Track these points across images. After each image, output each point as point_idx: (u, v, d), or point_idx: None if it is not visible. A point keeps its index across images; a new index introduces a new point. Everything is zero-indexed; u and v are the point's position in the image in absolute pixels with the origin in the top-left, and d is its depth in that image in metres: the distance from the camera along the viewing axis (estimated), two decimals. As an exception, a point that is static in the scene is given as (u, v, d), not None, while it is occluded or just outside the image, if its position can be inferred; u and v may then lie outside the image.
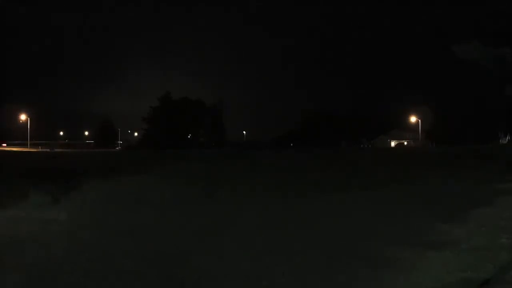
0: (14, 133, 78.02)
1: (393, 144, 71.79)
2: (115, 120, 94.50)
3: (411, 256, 5.62)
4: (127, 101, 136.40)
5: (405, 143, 71.57)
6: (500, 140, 46.80)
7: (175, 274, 5.19)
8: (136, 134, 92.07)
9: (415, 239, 6.52)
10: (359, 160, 22.62)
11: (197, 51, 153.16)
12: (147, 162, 21.31)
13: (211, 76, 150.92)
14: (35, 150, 51.28)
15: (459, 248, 5.93)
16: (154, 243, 6.72)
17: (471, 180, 13.10)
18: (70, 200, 10.23)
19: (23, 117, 72.97)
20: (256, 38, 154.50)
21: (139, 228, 7.76)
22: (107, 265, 5.53)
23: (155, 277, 5.11)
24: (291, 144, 74.05)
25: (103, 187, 11.96)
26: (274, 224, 7.96)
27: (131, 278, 5.07)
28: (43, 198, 10.13)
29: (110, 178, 13.18)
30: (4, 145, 68.78)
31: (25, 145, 66.61)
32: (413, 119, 68.95)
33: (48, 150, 54.34)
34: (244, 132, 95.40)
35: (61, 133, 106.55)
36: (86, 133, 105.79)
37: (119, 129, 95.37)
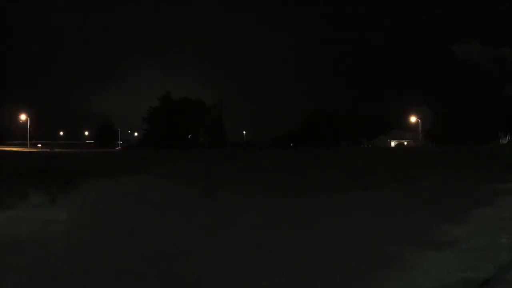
0: (14, 133, 78.04)
1: (393, 144, 71.75)
2: (115, 120, 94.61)
3: (411, 256, 5.63)
4: (127, 101, 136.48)
5: (405, 143, 71.54)
6: (500, 140, 46.76)
7: (175, 274, 5.19)
8: (136, 134, 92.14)
9: (415, 239, 6.52)
10: (359, 160, 22.62)
11: (197, 51, 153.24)
12: (147, 162, 21.31)
13: (211, 76, 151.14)
14: (35, 150, 51.29)
15: (459, 248, 5.93)
16: (154, 243, 6.72)
17: (471, 180, 13.10)
18: (70, 200, 10.23)
19: (23, 117, 72.98)
20: (256, 38, 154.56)
21: (139, 228, 7.76)
22: (107, 265, 5.53)
23: (155, 277, 5.11)
24: (291, 144, 74.00)
25: (103, 187, 11.96)
26: (274, 224, 7.96)
27: (131, 278, 5.07)
28: (43, 198, 10.13)
29: (110, 178, 13.18)
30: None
31: (25, 145, 66.62)
32: (413, 119, 68.95)
33: (48, 150, 54.34)
34: (244, 132, 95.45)
35: (61, 133, 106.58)
36: (86, 133, 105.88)
37: (119, 129, 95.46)
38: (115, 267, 5.45)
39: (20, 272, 5.32)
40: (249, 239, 6.81)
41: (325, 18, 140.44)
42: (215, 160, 22.77)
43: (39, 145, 68.32)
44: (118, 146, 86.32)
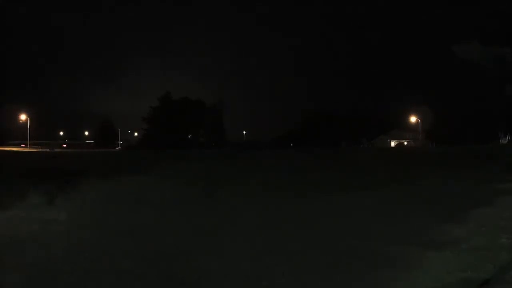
0: (14, 133, 78.05)
1: (393, 144, 71.76)
2: (115, 120, 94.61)
3: (411, 256, 5.63)
4: (127, 101, 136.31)
5: (405, 143, 71.54)
6: (500, 140, 46.77)
7: (175, 274, 5.19)
8: (136, 134, 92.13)
9: (415, 239, 6.52)
10: (359, 160, 22.61)
11: (197, 51, 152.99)
12: (147, 162, 21.32)
13: (211, 76, 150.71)
14: (35, 150, 51.31)
15: (459, 248, 5.93)
16: (154, 243, 6.72)
17: (471, 180, 13.09)
18: (70, 200, 10.23)
19: (23, 117, 72.99)
20: (256, 38, 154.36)
21: (139, 228, 7.76)
22: (107, 265, 5.53)
23: (155, 277, 5.12)
24: (291, 144, 74.00)
25: (103, 187, 11.96)
26: (274, 224, 7.96)
27: (131, 278, 5.07)
28: (43, 198, 10.13)
29: (110, 178, 13.18)
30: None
31: (25, 145, 66.64)
32: (413, 119, 68.96)
33: (48, 150, 54.37)
34: (244, 132, 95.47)
35: (61, 133, 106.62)
36: (86, 133, 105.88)
37: (119, 129, 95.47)
38: (115, 267, 5.45)
39: (20, 272, 5.32)
40: (249, 239, 6.81)
41: (325, 18, 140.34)
42: (215, 160, 22.77)
43: (40, 147, 68.35)
44: (118, 146, 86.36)
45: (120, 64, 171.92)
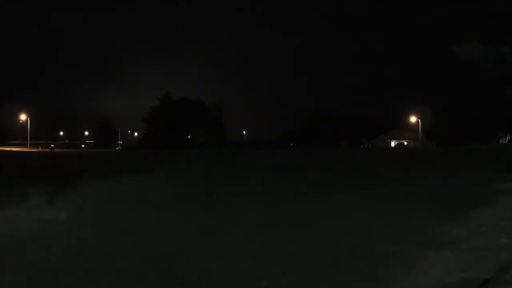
0: (14, 133, 78.08)
1: (393, 144, 71.77)
2: (115, 120, 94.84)
3: (411, 256, 5.62)
4: (127, 101, 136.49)
5: (405, 143, 71.55)
6: (500, 140, 46.77)
7: (175, 274, 5.19)
8: (136, 134, 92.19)
9: (415, 239, 6.52)
10: (359, 160, 22.61)
11: (197, 51, 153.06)
12: (147, 162, 21.33)
13: (211, 76, 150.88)
14: (35, 150, 51.30)
15: (459, 248, 5.93)
16: (154, 243, 6.71)
17: (471, 180, 13.09)
18: (70, 200, 10.23)
19: (23, 117, 73.00)
20: (256, 38, 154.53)
21: (139, 228, 7.76)
22: (107, 265, 5.53)
23: (155, 277, 5.11)
24: (291, 144, 74.00)
25: (103, 187, 11.97)
26: (274, 224, 7.96)
27: (131, 278, 5.07)
28: (43, 198, 10.14)
29: (110, 178, 13.19)
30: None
31: (25, 145, 66.63)
32: (413, 119, 68.97)
33: (48, 150, 54.36)
34: (244, 132, 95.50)
35: (61, 133, 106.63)
36: (86, 133, 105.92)
37: (119, 129, 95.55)
38: (115, 267, 5.45)
39: (20, 272, 5.32)
40: (249, 239, 6.81)
41: (325, 18, 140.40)
42: (215, 160, 22.77)
43: (40, 147, 68.36)
44: (118, 146, 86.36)
45: (120, 64, 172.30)
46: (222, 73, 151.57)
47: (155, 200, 10.56)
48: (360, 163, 20.36)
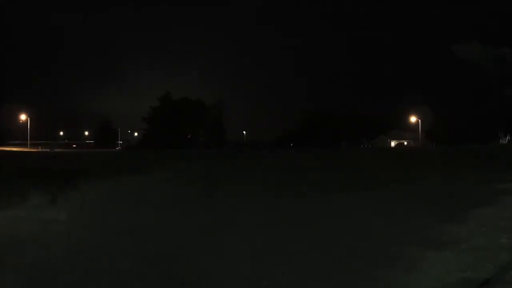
0: (14, 133, 78.07)
1: (393, 144, 71.79)
2: (115, 120, 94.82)
3: (411, 256, 5.62)
4: (127, 101, 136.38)
5: (405, 143, 71.57)
6: (500, 140, 46.80)
7: (175, 274, 5.19)
8: (136, 134, 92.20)
9: (415, 239, 6.51)
10: (359, 160, 22.62)
11: (197, 51, 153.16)
12: (147, 162, 21.33)
13: (211, 76, 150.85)
14: (35, 150, 51.31)
15: (459, 248, 5.92)
16: (154, 243, 6.71)
17: (471, 180, 13.10)
18: (70, 200, 10.23)
19: (23, 117, 73.00)
20: (257, 38, 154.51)
21: (139, 228, 7.75)
22: (107, 265, 5.53)
23: (155, 277, 5.11)
24: (291, 144, 74.02)
25: (103, 187, 11.97)
26: (274, 224, 7.96)
27: (131, 278, 5.06)
28: (43, 198, 10.13)
29: (110, 178, 13.19)
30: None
31: (25, 145, 66.63)
32: (413, 119, 68.99)
33: (48, 150, 54.38)
34: (244, 132, 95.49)
35: (61, 133, 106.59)
36: (86, 133, 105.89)
37: (119, 129, 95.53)
38: (115, 267, 5.45)
39: (20, 272, 5.32)
40: (249, 239, 6.81)
41: (325, 18, 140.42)
42: (215, 160, 22.79)
43: (40, 147, 68.36)
44: (118, 146, 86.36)
45: (120, 64, 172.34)
46: (222, 73, 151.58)
47: (155, 200, 10.56)
48: (360, 163, 20.37)
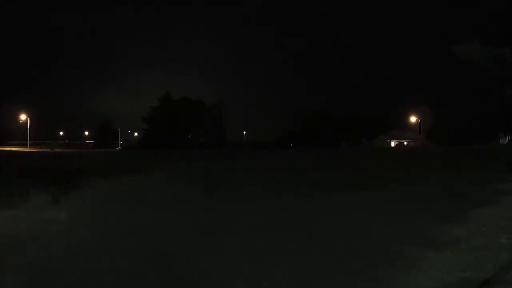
0: (14, 133, 78.05)
1: (393, 144, 71.78)
2: (115, 120, 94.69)
3: (411, 256, 5.63)
4: (127, 101, 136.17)
5: (405, 143, 71.56)
6: (500, 140, 46.78)
7: (175, 274, 5.19)
8: (136, 134, 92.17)
9: (415, 239, 6.52)
10: (359, 160, 22.61)
11: (197, 51, 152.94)
12: (147, 162, 21.33)
13: (211, 76, 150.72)
14: (35, 150, 51.30)
15: (459, 248, 5.93)
16: (154, 243, 6.72)
17: (471, 180, 13.09)
18: (70, 200, 10.23)
19: (23, 117, 72.99)
20: (256, 38, 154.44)
21: (139, 228, 7.76)
22: (107, 265, 5.53)
23: (155, 277, 5.12)
24: (291, 144, 74.00)
25: (103, 187, 11.97)
26: (274, 224, 7.96)
27: (131, 278, 5.07)
28: (43, 198, 10.13)
29: (110, 178, 13.18)
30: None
31: (25, 145, 66.64)
32: (413, 119, 68.99)
33: (48, 150, 54.38)
34: (244, 132, 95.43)
35: (61, 133, 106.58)
36: (86, 133, 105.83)
37: (119, 129, 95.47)
38: (115, 267, 5.45)
39: (20, 272, 5.32)
40: (249, 239, 6.81)
41: (325, 18, 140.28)
42: (215, 160, 22.78)
43: (40, 147, 68.38)
44: (118, 146, 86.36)
45: (120, 64, 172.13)
46: (222, 73, 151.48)
47: (155, 200, 10.56)
48: (360, 163, 20.36)
